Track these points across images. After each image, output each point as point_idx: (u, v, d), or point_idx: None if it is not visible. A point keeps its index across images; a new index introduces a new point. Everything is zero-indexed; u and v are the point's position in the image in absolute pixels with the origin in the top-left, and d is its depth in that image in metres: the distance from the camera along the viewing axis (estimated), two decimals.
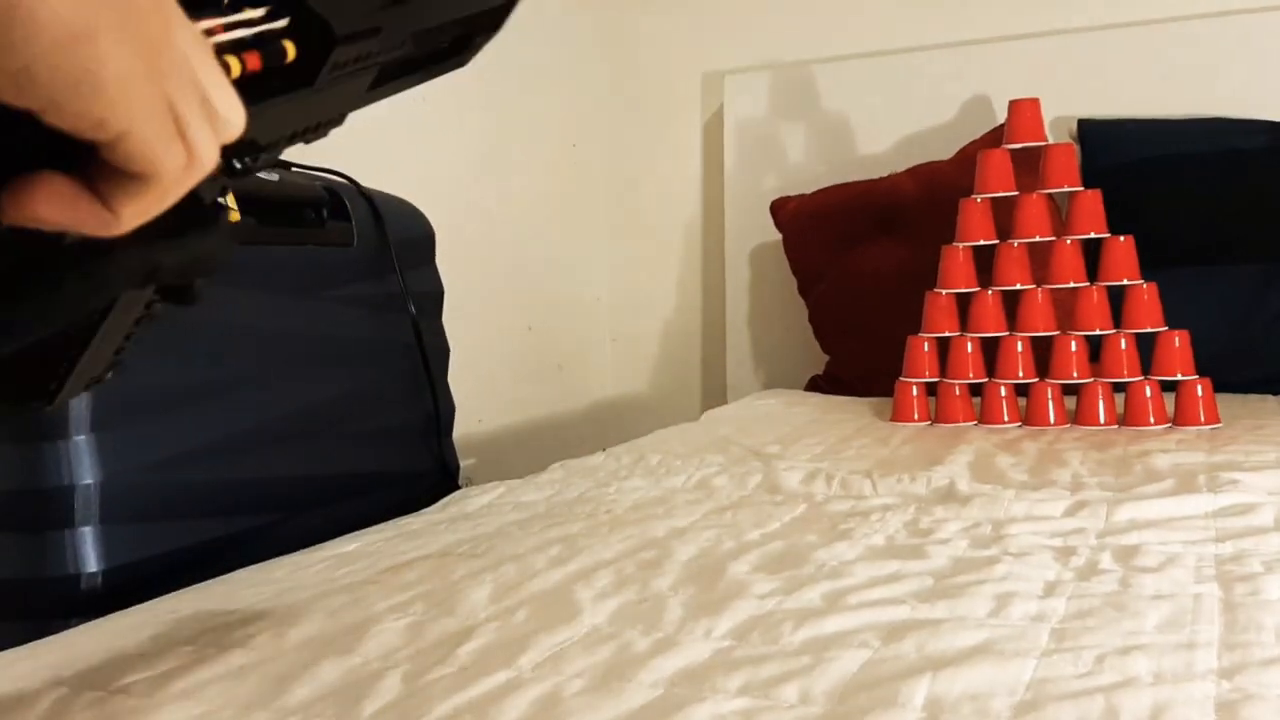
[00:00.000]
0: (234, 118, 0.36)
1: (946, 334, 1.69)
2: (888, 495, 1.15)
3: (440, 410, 1.48)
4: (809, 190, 2.25)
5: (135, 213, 0.34)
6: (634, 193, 2.58)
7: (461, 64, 0.52)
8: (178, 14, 0.35)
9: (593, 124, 2.54)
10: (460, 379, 1.71)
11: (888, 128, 2.27)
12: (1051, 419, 1.60)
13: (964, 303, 1.71)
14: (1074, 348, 1.62)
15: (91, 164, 0.32)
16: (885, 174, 2.15)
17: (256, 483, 1.19)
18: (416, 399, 1.45)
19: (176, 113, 0.33)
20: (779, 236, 2.26)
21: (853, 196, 2.13)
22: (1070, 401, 1.65)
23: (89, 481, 1.00)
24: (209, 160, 0.35)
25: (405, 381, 1.43)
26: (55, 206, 0.32)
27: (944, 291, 1.71)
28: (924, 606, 0.75)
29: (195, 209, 0.37)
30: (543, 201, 2.38)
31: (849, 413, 1.81)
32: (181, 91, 0.34)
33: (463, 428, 1.97)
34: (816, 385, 2.14)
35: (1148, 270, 1.63)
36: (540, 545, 0.98)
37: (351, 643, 0.73)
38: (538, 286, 2.33)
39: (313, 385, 1.27)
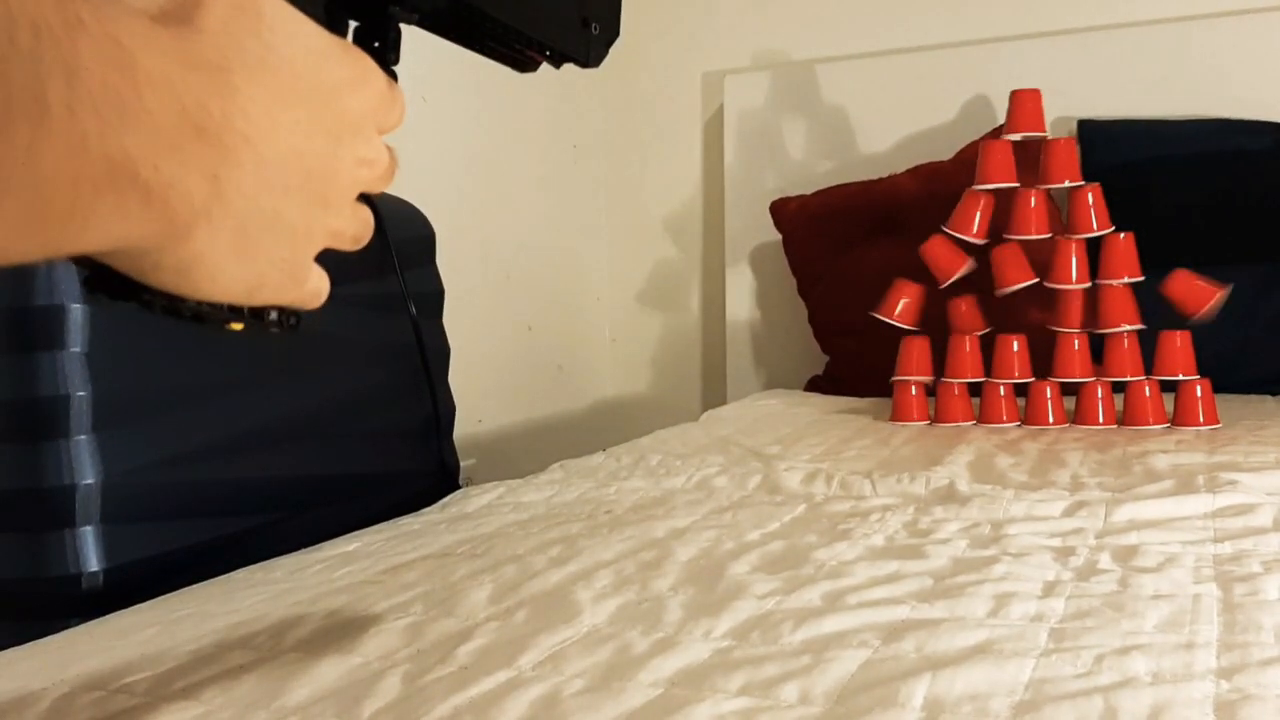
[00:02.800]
0: (367, 230, 0.42)
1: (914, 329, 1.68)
2: (887, 495, 1.15)
3: (440, 410, 1.48)
4: (809, 190, 2.25)
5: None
6: (634, 193, 2.58)
7: (587, 58, 0.52)
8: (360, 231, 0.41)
9: (593, 124, 2.54)
10: (460, 379, 1.71)
11: (888, 128, 2.28)
12: (1051, 419, 1.60)
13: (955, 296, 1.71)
14: (1076, 347, 1.62)
15: None
16: (886, 174, 2.15)
17: (256, 483, 1.19)
18: (416, 399, 1.45)
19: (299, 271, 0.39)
20: (779, 237, 2.26)
21: (853, 197, 2.13)
22: (1070, 402, 1.65)
23: (90, 481, 1.00)
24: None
25: (405, 382, 1.43)
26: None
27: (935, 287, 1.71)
28: (923, 606, 0.75)
29: None
30: (543, 201, 2.38)
31: (849, 413, 1.81)
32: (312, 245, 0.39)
33: (463, 428, 1.97)
34: (816, 385, 2.14)
35: (1148, 271, 1.63)
36: (540, 545, 0.98)
37: (351, 643, 0.73)
38: (538, 286, 2.33)
39: (313, 385, 1.27)
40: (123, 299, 0.35)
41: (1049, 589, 0.78)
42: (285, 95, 0.34)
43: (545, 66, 0.52)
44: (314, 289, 0.40)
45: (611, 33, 0.53)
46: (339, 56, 0.37)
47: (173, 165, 0.30)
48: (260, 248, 0.35)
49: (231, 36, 0.32)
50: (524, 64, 0.52)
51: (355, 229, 0.40)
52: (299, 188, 0.35)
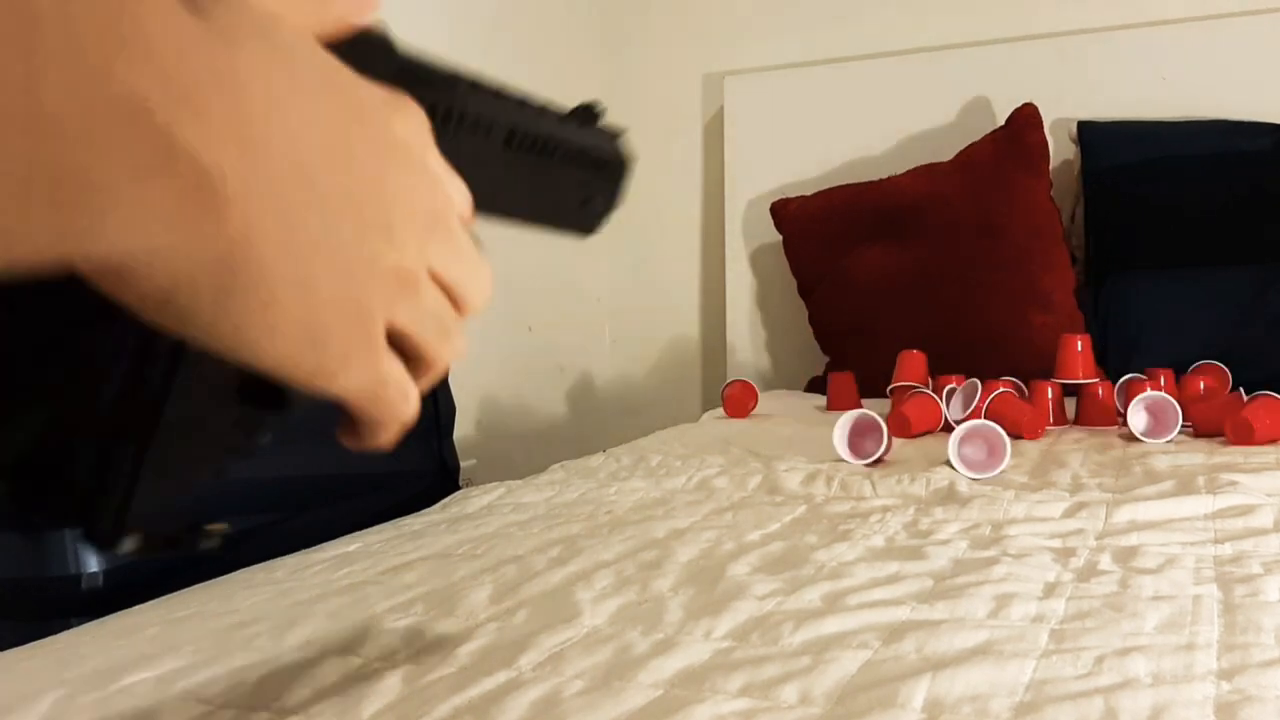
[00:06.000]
0: (485, 294, 0.36)
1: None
2: (887, 496, 1.15)
3: (440, 410, 1.48)
4: (809, 191, 2.25)
5: (391, 436, 0.36)
6: (634, 193, 2.56)
7: (586, 228, 0.51)
8: (418, 269, 0.33)
9: None
10: (460, 379, 1.71)
11: (888, 129, 2.28)
12: (1051, 419, 1.60)
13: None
14: (1079, 348, 1.62)
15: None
16: (886, 175, 2.15)
17: (256, 483, 1.19)
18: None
19: (415, 345, 0.33)
20: (779, 237, 2.26)
21: (853, 197, 2.13)
22: (1070, 402, 1.65)
23: None
24: (456, 356, 0.35)
25: None
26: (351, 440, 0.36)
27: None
28: (924, 607, 0.75)
29: None
30: None
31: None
32: (418, 325, 0.33)
33: (463, 428, 1.98)
34: (816, 385, 2.14)
35: (1148, 271, 1.63)
36: (540, 546, 0.98)
37: (351, 643, 0.73)
38: (538, 286, 2.33)
39: None
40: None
41: (1049, 590, 0.78)
42: (309, 82, 0.29)
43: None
44: (392, 378, 0.33)
45: (611, 204, 0.52)
46: (369, 83, 0.32)
47: (188, 117, 0.25)
48: (315, 263, 0.29)
49: (240, 20, 0.27)
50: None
51: (437, 299, 0.34)
52: (345, 196, 0.30)
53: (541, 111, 0.44)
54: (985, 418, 1.47)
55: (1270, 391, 1.40)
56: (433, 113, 0.36)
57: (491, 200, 0.40)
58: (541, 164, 0.45)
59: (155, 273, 0.26)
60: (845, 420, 1.34)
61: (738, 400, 1.86)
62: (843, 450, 1.32)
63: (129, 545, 0.32)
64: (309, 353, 0.30)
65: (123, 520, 0.31)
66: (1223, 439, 1.39)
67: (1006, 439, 1.23)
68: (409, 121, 0.33)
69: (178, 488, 0.33)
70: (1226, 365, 1.71)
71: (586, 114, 0.48)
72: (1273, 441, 1.35)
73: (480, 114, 0.40)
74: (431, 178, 0.33)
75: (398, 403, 0.34)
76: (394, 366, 0.33)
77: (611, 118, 0.51)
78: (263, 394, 0.34)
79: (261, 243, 0.27)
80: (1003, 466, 1.22)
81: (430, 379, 0.34)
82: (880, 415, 1.35)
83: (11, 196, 0.23)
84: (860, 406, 1.79)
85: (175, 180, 0.25)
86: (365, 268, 0.31)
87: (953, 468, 1.21)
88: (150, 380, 0.31)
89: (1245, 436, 1.34)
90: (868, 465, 1.29)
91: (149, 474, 0.31)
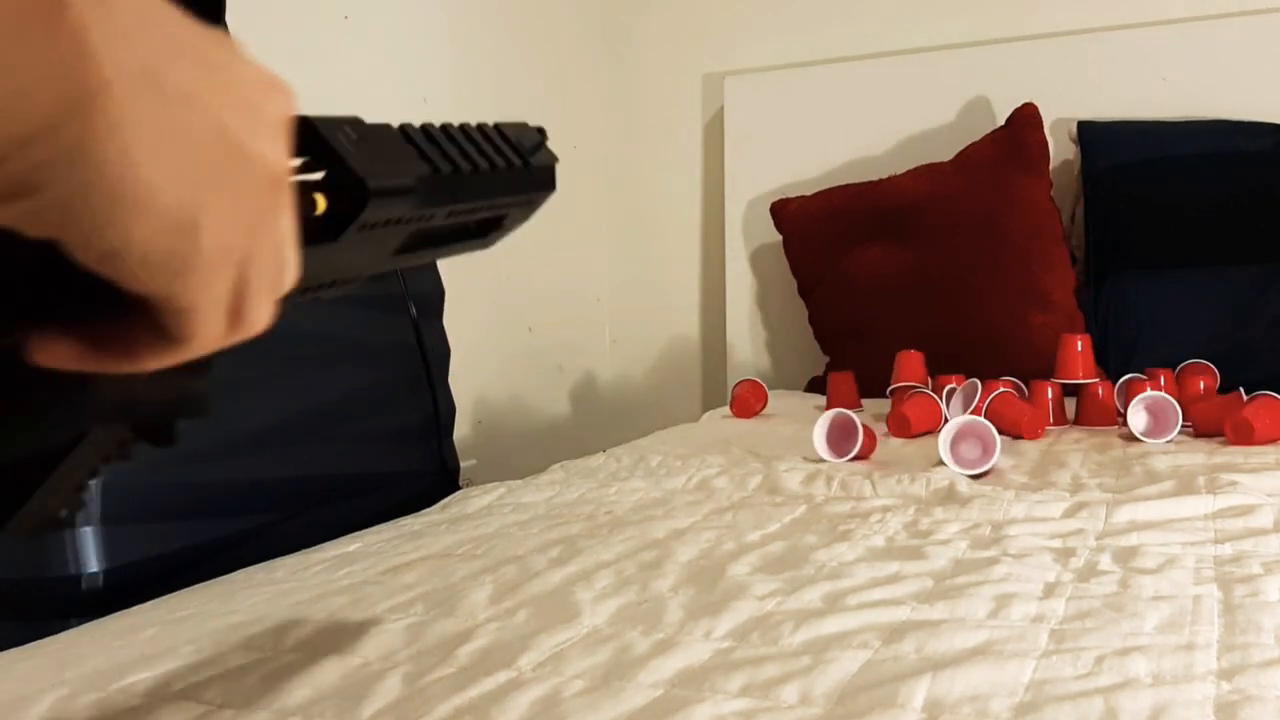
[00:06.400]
0: (291, 277, 0.34)
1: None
2: (887, 496, 1.15)
3: (440, 411, 1.48)
4: (809, 191, 2.25)
5: (156, 363, 0.31)
6: (634, 194, 2.58)
7: (487, 244, 0.50)
8: (286, 179, 0.31)
9: (593, 125, 2.54)
10: (460, 379, 1.71)
11: (888, 129, 2.28)
12: (1051, 419, 1.60)
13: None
14: (1079, 348, 1.62)
15: (130, 309, 0.29)
16: (886, 175, 2.15)
17: (256, 483, 1.19)
18: (417, 400, 1.45)
19: (246, 289, 0.31)
20: (779, 237, 2.26)
21: (853, 198, 2.13)
22: (1070, 402, 1.65)
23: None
24: (258, 330, 0.33)
25: (405, 382, 1.43)
26: (63, 359, 0.30)
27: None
28: (924, 607, 0.75)
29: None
30: None
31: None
32: (260, 267, 0.31)
33: (463, 428, 1.98)
34: (816, 385, 2.14)
35: (1148, 271, 1.63)
36: (540, 546, 0.98)
37: (352, 643, 0.73)
38: (538, 286, 2.33)
39: (313, 386, 1.27)
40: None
41: (1049, 590, 0.78)
42: (187, 24, 0.28)
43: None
44: (224, 297, 0.30)
45: (518, 223, 0.51)
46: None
47: None
48: (187, 122, 0.27)
49: None
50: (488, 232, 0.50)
51: (277, 247, 0.32)
52: (207, 68, 0.28)
53: (473, 174, 0.44)
54: (985, 418, 1.48)
55: (1270, 392, 1.40)
56: (343, 219, 0.37)
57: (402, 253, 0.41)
58: (436, 246, 0.45)
59: (15, 110, 0.24)
60: (824, 420, 1.37)
61: (745, 400, 1.85)
62: (821, 448, 1.35)
63: None
64: (183, 224, 0.27)
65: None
66: (1222, 439, 1.39)
67: (996, 434, 1.23)
68: (277, 99, 0.31)
69: (62, 499, 0.34)
70: (1227, 365, 1.71)
71: (534, 145, 0.48)
72: (1272, 441, 1.35)
73: (391, 219, 0.40)
74: (281, 151, 0.31)
75: (209, 324, 0.31)
76: (228, 288, 0.31)
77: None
78: (152, 432, 0.35)
79: (128, 89, 0.25)
80: (992, 462, 1.22)
81: (233, 338, 0.32)
82: (856, 414, 1.37)
83: None
84: (860, 406, 1.80)
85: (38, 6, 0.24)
86: (236, 141, 0.29)
87: (947, 465, 1.23)
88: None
89: (1245, 436, 1.34)
90: (849, 461, 1.32)
91: (44, 489, 0.33)
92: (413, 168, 0.41)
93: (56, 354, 0.29)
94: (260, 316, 0.32)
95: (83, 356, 0.30)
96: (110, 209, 0.26)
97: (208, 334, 0.31)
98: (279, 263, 0.32)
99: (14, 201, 0.25)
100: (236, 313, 0.31)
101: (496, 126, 0.47)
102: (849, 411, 1.37)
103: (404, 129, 0.42)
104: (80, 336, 0.30)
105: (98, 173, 0.25)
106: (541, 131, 0.49)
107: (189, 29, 0.28)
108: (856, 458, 1.34)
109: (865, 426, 1.35)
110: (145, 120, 0.26)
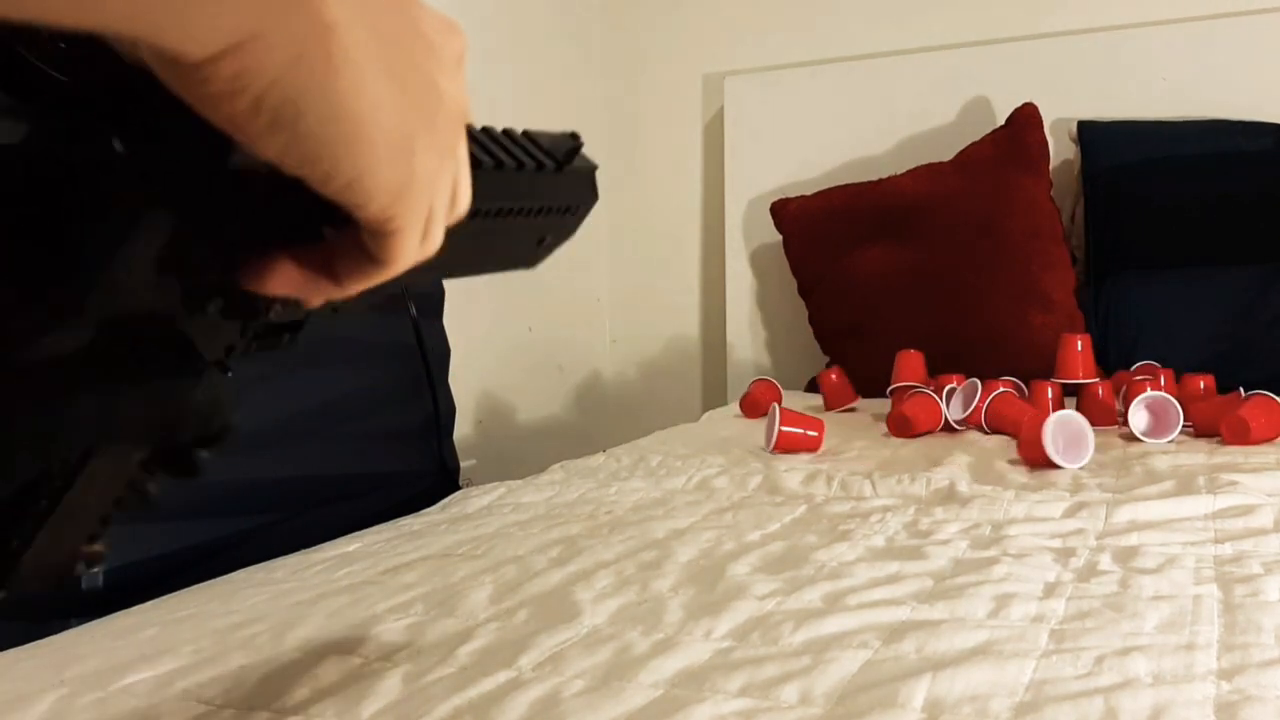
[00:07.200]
0: (466, 201, 0.37)
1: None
2: (888, 496, 1.15)
3: (440, 411, 1.48)
4: (809, 191, 2.25)
5: (359, 287, 0.35)
6: (634, 193, 2.58)
7: (532, 263, 0.50)
8: (468, 112, 0.35)
9: (593, 125, 2.54)
10: (460, 379, 1.71)
11: (888, 129, 2.28)
12: None
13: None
14: (1079, 347, 1.61)
15: (341, 233, 0.33)
16: (886, 175, 2.15)
17: (256, 483, 1.19)
18: (417, 400, 1.45)
19: (434, 212, 0.34)
20: (779, 237, 2.26)
21: (853, 198, 2.13)
22: (1070, 402, 1.65)
23: None
24: (435, 250, 0.36)
25: (405, 382, 1.43)
26: (288, 285, 0.33)
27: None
28: (924, 607, 0.75)
29: (172, 349, 0.32)
30: None
31: (849, 413, 1.81)
32: (445, 190, 0.35)
33: (463, 428, 1.97)
34: (817, 386, 2.14)
35: (1148, 271, 1.63)
36: (540, 546, 0.98)
37: (352, 643, 0.73)
38: (538, 286, 2.33)
39: (313, 386, 1.27)
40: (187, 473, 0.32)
41: (1049, 590, 0.78)
42: None
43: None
44: (430, 213, 0.34)
45: (563, 240, 0.51)
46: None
47: None
48: (395, 58, 0.30)
49: None
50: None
51: (455, 174, 0.36)
52: (398, 11, 0.31)
53: (516, 170, 0.43)
54: (985, 418, 1.48)
55: (1268, 392, 1.40)
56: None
57: (444, 265, 0.40)
58: (499, 227, 0.44)
59: (258, 59, 0.26)
60: (772, 416, 1.45)
61: (755, 400, 1.84)
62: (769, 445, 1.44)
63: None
64: (392, 162, 0.31)
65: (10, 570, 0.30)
66: (1220, 439, 1.39)
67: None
68: (455, 40, 0.35)
69: (69, 546, 0.32)
70: (1226, 365, 1.71)
71: (569, 150, 0.47)
72: (1268, 440, 1.35)
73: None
74: (461, 88, 0.35)
75: (411, 244, 0.34)
76: (426, 211, 0.34)
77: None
78: (174, 463, 0.34)
79: (347, 32, 0.28)
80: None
81: (420, 257, 0.35)
82: (780, 408, 1.45)
83: None
84: (855, 400, 1.81)
85: None
86: (433, 89, 0.32)
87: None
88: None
89: (1241, 435, 1.34)
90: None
91: (46, 534, 0.31)
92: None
93: (285, 280, 0.33)
94: (440, 238, 0.36)
95: (305, 283, 0.33)
96: (350, 137, 0.29)
97: (408, 254, 0.34)
98: (458, 187, 0.36)
99: (276, 134, 0.28)
100: (426, 234, 0.34)
101: (525, 132, 0.46)
102: (779, 406, 1.45)
103: None
104: (304, 264, 0.33)
105: (337, 103, 0.28)
106: (575, 137, 0.48)
107: None
108: (775, 449, 1.42)
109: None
110: (367, 57, 0.29)
